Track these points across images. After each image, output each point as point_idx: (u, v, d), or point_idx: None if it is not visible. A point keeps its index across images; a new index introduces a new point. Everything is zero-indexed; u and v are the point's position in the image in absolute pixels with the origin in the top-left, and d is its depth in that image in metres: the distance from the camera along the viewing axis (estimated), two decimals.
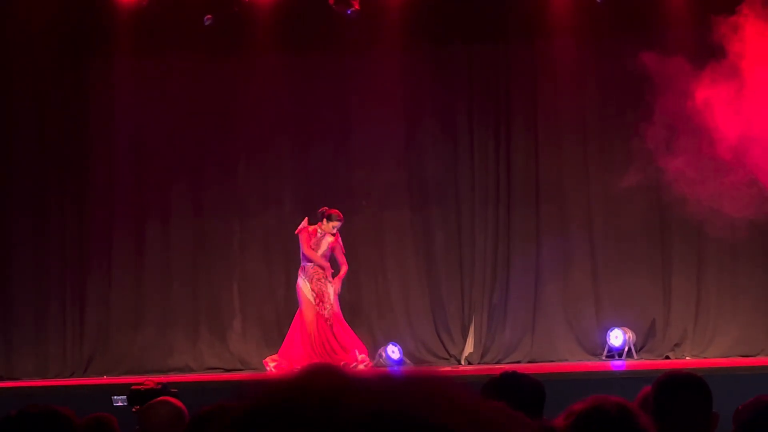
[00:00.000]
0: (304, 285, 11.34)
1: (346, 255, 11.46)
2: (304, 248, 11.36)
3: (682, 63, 11.37)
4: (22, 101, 12.81)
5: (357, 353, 11.28)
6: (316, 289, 11.31)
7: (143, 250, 12.76)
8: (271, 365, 11.33)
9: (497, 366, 11.62)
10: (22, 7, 12.60)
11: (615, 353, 11.87)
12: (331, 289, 11.37)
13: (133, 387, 6.69)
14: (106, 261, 12.73)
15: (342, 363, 10.57)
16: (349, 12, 12.10)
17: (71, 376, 12.41)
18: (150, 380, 6.93)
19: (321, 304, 11.32)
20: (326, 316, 11.31)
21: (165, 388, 6.60)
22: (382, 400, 0.98)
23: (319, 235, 11.38)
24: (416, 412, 0.97)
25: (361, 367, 10.99)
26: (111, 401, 8.30)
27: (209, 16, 12.32)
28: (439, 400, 0.99)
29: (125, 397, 6.83)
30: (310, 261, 11.36)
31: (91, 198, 12.80)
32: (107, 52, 12.75)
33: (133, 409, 6.55)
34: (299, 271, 11.45)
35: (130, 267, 12.74)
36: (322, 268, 11.34)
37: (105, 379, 11.86)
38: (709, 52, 11.14)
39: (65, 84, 12.80)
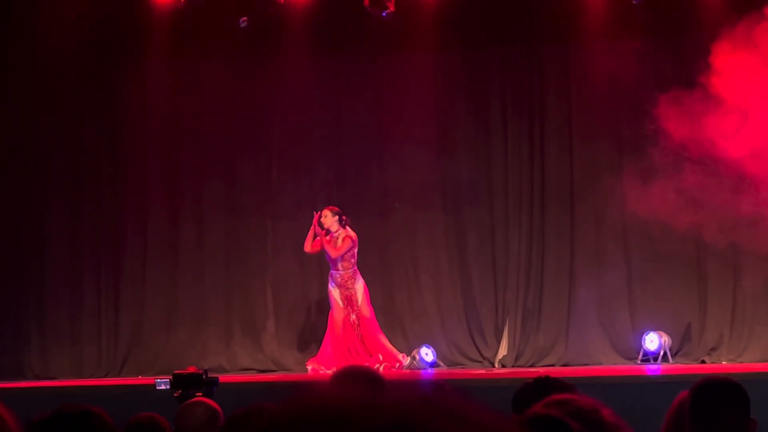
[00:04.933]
0: (333, 290, 11.53)
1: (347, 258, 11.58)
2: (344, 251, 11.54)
3: (718, 66, 11.28)
4: (58, 101, 12.89)
5: (380, 357, 11.34)
6: (344, 294, 11.46)
7: (177, 251, 12.82)
8: (309, 368, 11.55)
9: (531, 369, 11.59)
10: (58, 6, 12.68)
11: (650, 357, 11.78)
12: (361, 294, 11.49)
13: (175, 372, 6.87)
14: (141, 262, 12.80)
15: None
16: (384, 14, 12.08)
17: (106, 375, 12.49)
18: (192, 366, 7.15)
19: (349, 307, 11.43)
20: (353, 320, 11.40)
21: (206, 374, 6.81)
22: (391, 416, 0.98)
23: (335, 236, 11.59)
24: (429, 426, 0.97)
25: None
26: (153, 386, 8.51)
27: (245, 18, 12.34)
28: (450, 414, 0.99)
29: (168, 380, 6.94)
30: (336, 269, 11.53)
31: (125, 199, 12.88)
32: (142, 52, 12.82)
33: (175, 394, 6.70)
34: (329, 278, 11.61)
35: (164, 268, 12.80)
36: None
37: (140, 379, 11.91)
38: (744, 54, 11.04)
39: (100, 84, 12.87)
